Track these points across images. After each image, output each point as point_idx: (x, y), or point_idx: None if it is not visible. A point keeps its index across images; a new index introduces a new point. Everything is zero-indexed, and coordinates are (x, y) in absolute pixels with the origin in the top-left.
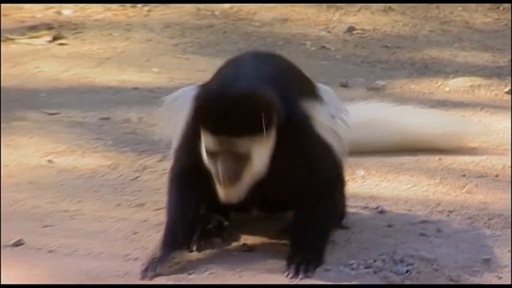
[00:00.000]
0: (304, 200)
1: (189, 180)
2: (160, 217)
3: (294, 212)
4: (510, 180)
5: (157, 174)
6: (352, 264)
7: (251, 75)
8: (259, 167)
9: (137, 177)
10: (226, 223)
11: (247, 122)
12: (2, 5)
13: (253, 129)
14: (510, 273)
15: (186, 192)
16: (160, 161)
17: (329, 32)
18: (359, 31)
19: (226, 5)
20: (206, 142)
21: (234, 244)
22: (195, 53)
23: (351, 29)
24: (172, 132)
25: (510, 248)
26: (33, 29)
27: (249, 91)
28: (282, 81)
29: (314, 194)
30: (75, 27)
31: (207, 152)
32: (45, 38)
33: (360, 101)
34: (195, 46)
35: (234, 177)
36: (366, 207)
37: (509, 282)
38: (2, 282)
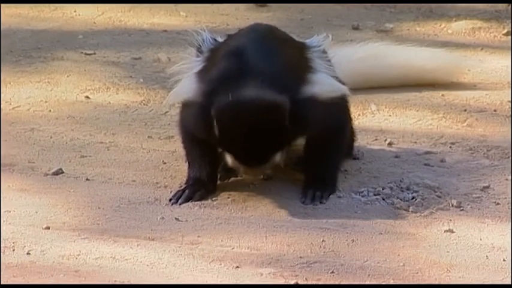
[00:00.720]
0: (313, 137)
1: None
2: None
3: (305, 142)
4: (509, 114)
5: None
6: (362, 192)
7: (260, 81)
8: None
9: (166, 112)
10: None
11: (269, 152)
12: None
13: (275, 152)
14: (510, 205)
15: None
16: None
17: None
18: None
19: None
20: (231, 161)
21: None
22: None
23: None
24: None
25: (510, 180)
26: None
27: (270, 118)
28: (284, 74)
29: (323, 134)
30: None
31: (232, 163)
32: None
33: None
34: None
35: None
36: (375, 140)
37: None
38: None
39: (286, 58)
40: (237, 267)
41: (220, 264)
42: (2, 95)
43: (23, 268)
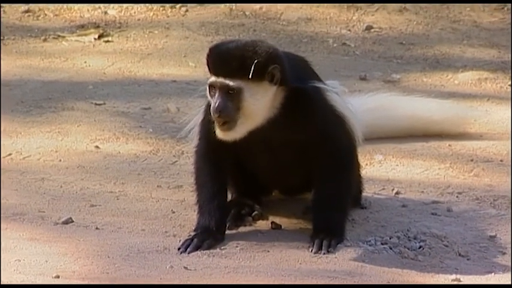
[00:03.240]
0: (321, 175)
1: (215, 160)
2: None
3: (313, 191)
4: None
5: None
6: (370, 241)
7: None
8: (254, 109)
9: (175, 161)
10: (257, 207)
11: (239, 64)
12: (53, 5)
13: (245, 71)
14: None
15: (214, 173)
16: None
17: (349, 30)
18: (376, 29)
19: (257, 6)
20: (209, 80)
21: (263, 223)
22: None
23: (369, 28)
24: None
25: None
26: (82, 27)
27: (249, 41)
28: (300, 65)
29: (330, 167)
30: (120, 26)
31: (209, 88)
32: (93, 35)
33: (377, 93)
34: None
35: (225, 113)
36: (382, 189)
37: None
38: (41, 259)
39: (310, 68)
40: None
41: None
42: (12, 145)
43: None
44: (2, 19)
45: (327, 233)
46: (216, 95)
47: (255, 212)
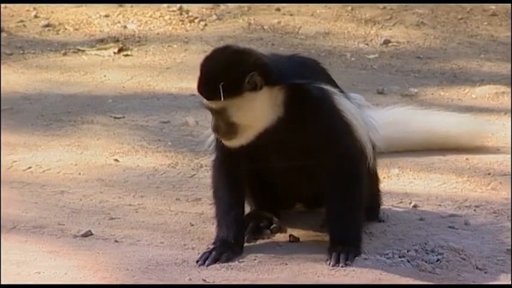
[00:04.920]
0: (328, 186)
1: (231, 172)
2: None
3: (324, 202)
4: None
5: None
6: (387, 254)
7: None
8: (247, 120)
9: (194, 174)
10: (276, 219)
11: (215, 87)
12: (73, 19)
13: (223, 92)
14: None
15: (231, 185)
16: None
17: (367, 44)
18: (394, 43)
19: (275, 20)
20: None
21: (281, 235)
22: None
23: (386, 42)
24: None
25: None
26: (101, 41)
27: (224, 58)
28: (307, 65)
29: (336, 176)
30: (139, 40)
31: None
32: (112, 49)
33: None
34: None
35: (221, 131)
36: (400, 202)
37: None
38: (61, 272)
39: (325, 75)
40: None
41: None
42: (32, 158)
43: None
44: (22, 33)
45: (344, 245)
46: (212, 116)
47: (273, 225)
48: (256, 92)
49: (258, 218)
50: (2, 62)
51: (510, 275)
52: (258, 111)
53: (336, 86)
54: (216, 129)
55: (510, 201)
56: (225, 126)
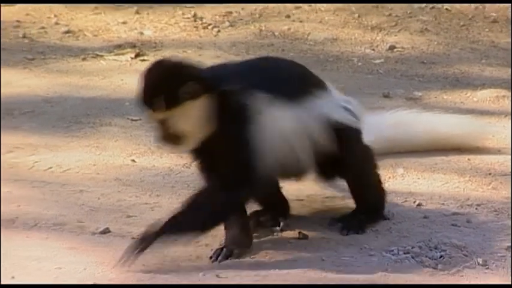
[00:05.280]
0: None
1: None
2: None
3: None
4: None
5: None
6: (393, 250)
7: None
8: (187, 129)
9: None
10: (283, 218)
11: (152, 101)
12: (92, 26)
13: (156, 101)
14: None
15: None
16: None
17: (373, 50)
18: (399, 49)
19: (285, 27)
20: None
21: (291, 233)
22: None
23: (392, 48)
24: None
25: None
26: (119, 47)
27: (159, 71)
28: (257, 75)
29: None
30: (155, 46)
31: None
32: (129, 55)
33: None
34: None
35: (168, 140)
36: (405, 201)
37: None
38: (80, 267)
39: (280, 79)
40: None
41: None
42: (53, 159)
43: None
44: (44, 39)
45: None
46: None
47: (282, 224)
48: (194, 101)
49: (258, 214)
50: (24, 66)
51: (510, 272)
52: (197, 119)
53: (302, 90)
54: (160, 138)
55: (510, 200)
56: (168, 135)
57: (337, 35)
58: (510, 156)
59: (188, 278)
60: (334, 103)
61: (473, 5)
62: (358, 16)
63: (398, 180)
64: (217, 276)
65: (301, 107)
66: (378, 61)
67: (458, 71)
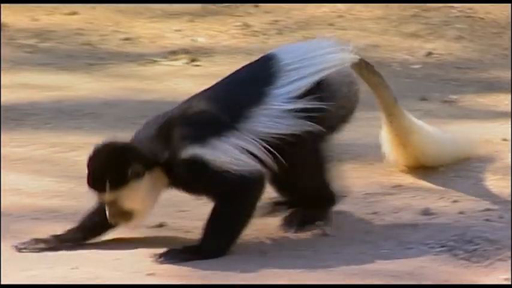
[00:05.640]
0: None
1: None
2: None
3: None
4: None
5: None
6: (429, 244)
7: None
8: (140, 204)
9: None
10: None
11: (100, 185)
12: (149, 33)
13: (105, 185)
14: None
15: None
16: None
17: (412, 55)
18: (436, 55)
19: (329, 34)
20: None
21: (330, 227)
22: None
23: (429, 54)
24: None
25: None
26: (174, 53)
27: (102, 158)
28: (174, 131)
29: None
30: (207, 52)
31: None
32: (183, 60)
33: (435, 112)
34: None
35: (119, 217)
36: (441, 198)
37: None
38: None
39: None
40: None
41: None
42: None
43: None
44: (104, 46)
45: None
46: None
47: (320, 222)
48: (140, 179)
49: (301, 211)
50: (85, 71)
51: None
52: (146, 194)
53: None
54: (111, 217)
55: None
56: (119, 213)
57: (377, 42)
58: None
59: (238, 268)
60: (269, 116)
61: (505, 14)
62: (398, 24)
63: (437, 177)
64: (266, 267)
65: (234, 137)
66: (415, 66)
67: (492, 75)
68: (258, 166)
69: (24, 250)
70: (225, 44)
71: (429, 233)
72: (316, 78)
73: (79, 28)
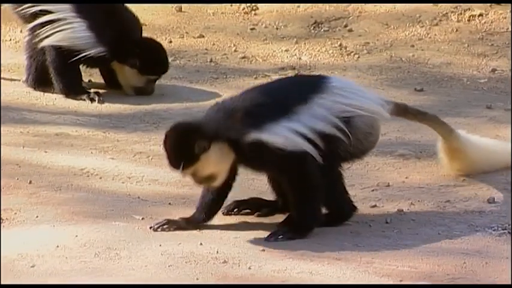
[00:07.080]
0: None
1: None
2: None
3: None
4: None
5: None
6: (493, 227)
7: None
8: (212, 174)
9: None
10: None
11: (176, 163)
12: (262, 52)
13: (180, 163)
14: None
15: None
16: None
17: (479, 71)
18: (499, 71)
19: (410, 54)
20: None
21: (388, 207)
22: (389, 86)
23: (494, 70)
24: None
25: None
26: (282, 69)
27: (176, 136)
28: (241, 114)
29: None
30: (310, 68)
31: None
32: (290, 75)
33: (498, 118)
34: (389, 81)
35: (203, 183)
36: (504, 189)
37: None
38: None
39: (269, 105)
40: (401, 280)
41: (388, 278)
42: None
43: (245, 279)
44: (225, 63)
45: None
46: None
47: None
48: (208, 152)
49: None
50: (210, 84)
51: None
52: (216, 162)
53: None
54: (197, 183)
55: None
56: (201, 180)
57: (450, 60)
58: None
59: (333, 245)
60: (313, 116)
61: None
62: (468, 46)
63: (499, 173)
64: (356, 245)
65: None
66: (482, 80)
67: None
68: (309, 145)
69: (158, 229)
70: (324, 62)
71: (493, 218)
72: (351, 111)
73: (205, 48)
